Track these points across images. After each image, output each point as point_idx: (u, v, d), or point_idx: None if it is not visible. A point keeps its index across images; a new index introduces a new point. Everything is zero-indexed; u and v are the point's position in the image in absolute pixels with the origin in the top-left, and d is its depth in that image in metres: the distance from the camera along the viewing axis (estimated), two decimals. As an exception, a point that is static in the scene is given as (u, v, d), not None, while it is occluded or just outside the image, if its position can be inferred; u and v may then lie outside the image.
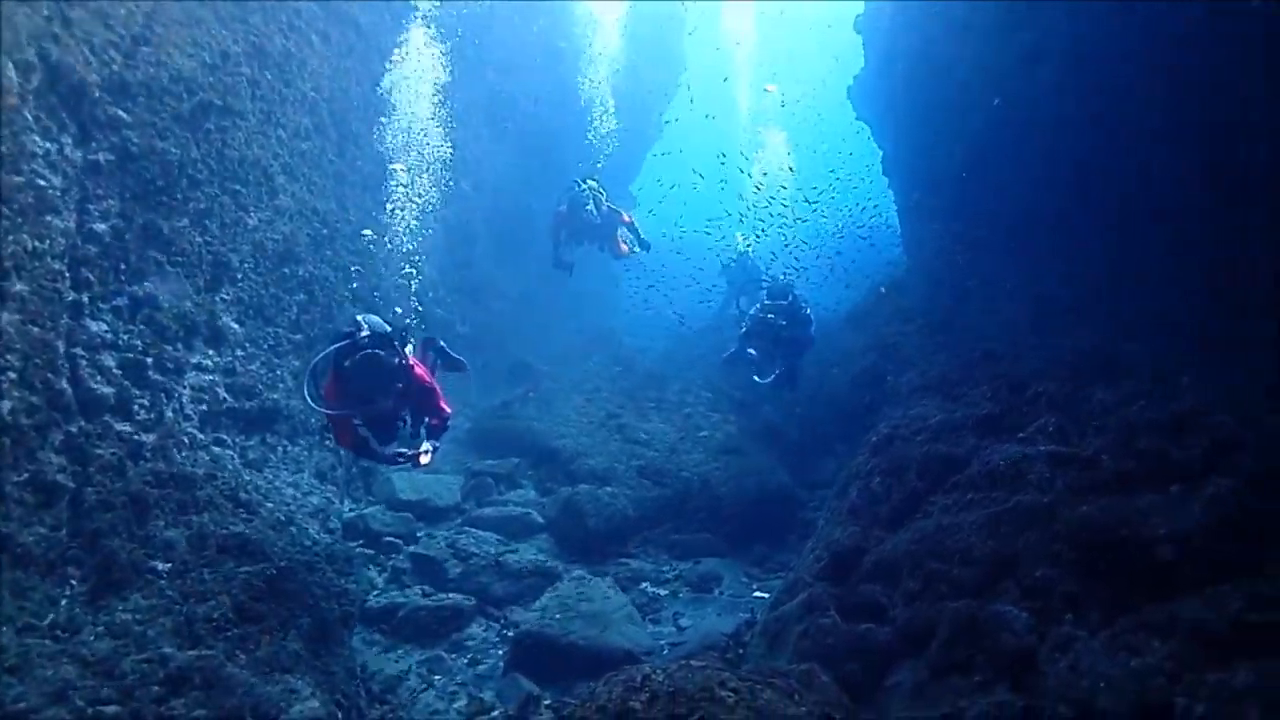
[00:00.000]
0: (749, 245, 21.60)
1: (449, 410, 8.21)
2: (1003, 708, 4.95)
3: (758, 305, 13.15)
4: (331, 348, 7.43)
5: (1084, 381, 7.29)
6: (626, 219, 13.15)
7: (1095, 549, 5.39)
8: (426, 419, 8.09)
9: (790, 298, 12.98)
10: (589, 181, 12.83)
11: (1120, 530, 5.32)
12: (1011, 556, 5.81)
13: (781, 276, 13.50)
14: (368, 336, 7.32)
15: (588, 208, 12.51)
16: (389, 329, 7.58)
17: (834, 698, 4.86)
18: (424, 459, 7.86)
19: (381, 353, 7.28)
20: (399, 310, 11.01)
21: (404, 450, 7.88)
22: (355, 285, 11.31)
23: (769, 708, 4.16)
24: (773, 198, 22.89)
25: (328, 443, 9.50)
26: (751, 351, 13.18)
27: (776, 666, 5.46)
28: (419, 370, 7.90)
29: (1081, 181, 8.69)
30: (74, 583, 6.18)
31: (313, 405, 7.48)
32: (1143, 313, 7.62)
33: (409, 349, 8.08)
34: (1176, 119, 7.37)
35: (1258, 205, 6.67)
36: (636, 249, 13.39)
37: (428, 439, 8.05)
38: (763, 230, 22.76)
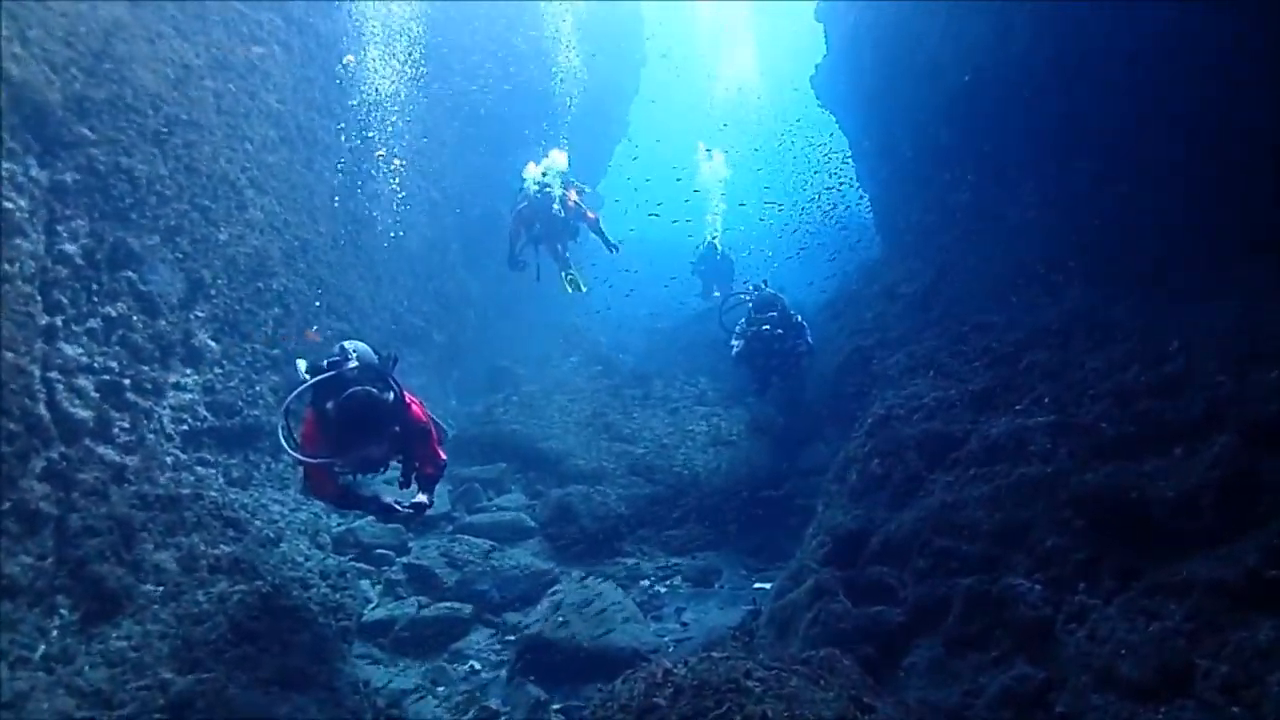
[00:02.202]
0: (715, 236, 21.58)
1: (444, 456, 7.30)
2: (1023, 680, 4.92)
3: (744, 320, 12.96)
4: (311, 381, 6.44)
5: (1074, 348, 7.25)
6: (591, 216, 12.62)
7: (1103, 515, 5.35)
8: (418, 465, 7.18)
9: (779, 306, 12.76)
10: (545, 175, 12.10)
11: (1128, 495, 5.27)
12: (1020, 528, 5.76)
13: (764, 285, 13.24)
14: (356, 369, 6.37)
15: (554, 208, 12.00)
16: (378, 357, 6.73)
17: (858, 680, 4.79)
18: (422, 513, 7.14)
19: (375, 389, 6.28)
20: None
21: (399, 502, 7.06)
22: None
23: (797, 695, 4.08)
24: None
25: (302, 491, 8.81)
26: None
27: (795, 654, 5.37)
28: (415, 407, 6.91)
29: (1057, 148, 8.69)
30: (64, 612, 5.98)
31: (290, 452, 6.52)
32: (1125, 271, 7.60)
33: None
34: (1152, 81, 7.37)
35: (1234, 160, 6.68)
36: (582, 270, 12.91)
37: (421, 490, 7.19)
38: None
